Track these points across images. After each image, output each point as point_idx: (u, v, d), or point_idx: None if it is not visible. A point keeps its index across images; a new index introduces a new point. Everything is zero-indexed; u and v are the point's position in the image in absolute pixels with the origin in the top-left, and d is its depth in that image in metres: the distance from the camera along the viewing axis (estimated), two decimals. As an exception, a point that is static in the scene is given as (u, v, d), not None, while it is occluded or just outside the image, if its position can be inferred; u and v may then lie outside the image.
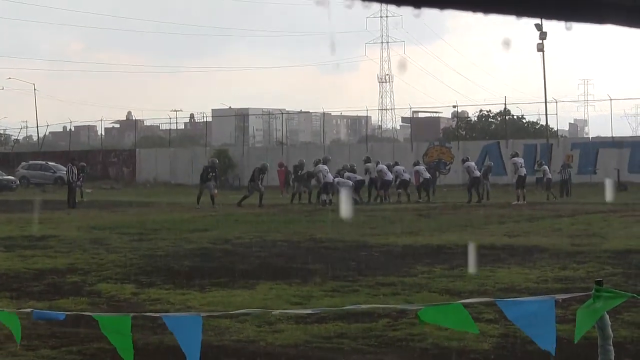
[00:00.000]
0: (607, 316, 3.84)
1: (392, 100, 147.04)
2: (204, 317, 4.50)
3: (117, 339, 4.14)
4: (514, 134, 68.64)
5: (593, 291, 3.81)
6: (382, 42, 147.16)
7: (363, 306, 6.85)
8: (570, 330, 9.41)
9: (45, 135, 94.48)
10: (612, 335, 3.85)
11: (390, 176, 42.44)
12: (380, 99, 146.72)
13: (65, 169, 49.31)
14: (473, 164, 42.59)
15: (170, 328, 4.17)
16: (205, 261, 17.18)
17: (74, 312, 5.82)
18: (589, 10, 1.56)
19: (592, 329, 4.07)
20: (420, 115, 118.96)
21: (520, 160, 41.55)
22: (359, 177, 41.85)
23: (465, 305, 4.26)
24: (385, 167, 42.83)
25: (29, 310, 5.32)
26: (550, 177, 43.80)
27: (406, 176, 43.13)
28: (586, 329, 3.75)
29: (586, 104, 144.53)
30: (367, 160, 44.45)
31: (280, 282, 13.94)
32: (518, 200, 38.23)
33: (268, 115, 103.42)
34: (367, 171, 43.14)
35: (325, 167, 39.56)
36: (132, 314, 4.56)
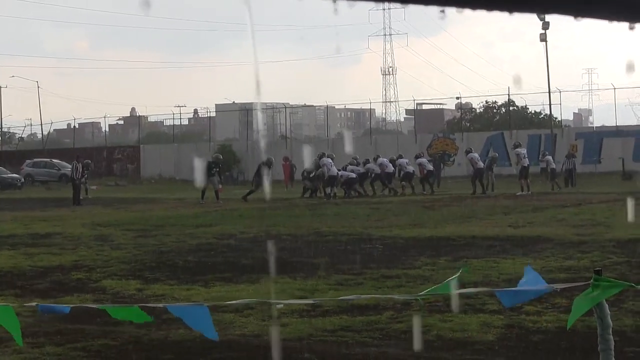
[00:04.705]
0: (606, 305, 3.84)
1: (396, 93, 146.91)
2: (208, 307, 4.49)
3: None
4: (518, 124, 68.54)
5: (592, 280, 3.81)
6: (384, 35, 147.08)
7: (363, 296, 6.86)
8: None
9: (49, 132, 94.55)
10: (611, 325, 3.85)
11: (391, 168, 42.50)
12: (384, 92, 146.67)
13: (69, 166, 49.37)
14: (477, 155, 42.56)
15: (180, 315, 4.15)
16: (210, 256, 17.19)
17: (79, 305, 5.82)
18: (571, 3, 1.55)
19: (593, 318, 4.07)
20: (424, 107, 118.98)
21: (523, 150, 41.50)
22: (362, 170, 41.87)
23: (467, 296, 4.26)
24: (386, 160, 42.87)
25: (34, 304, 5.33)
26: (554, 167, 43.73)
27: (410, 169, 43.11)
28: (579, 315, 3.75)
29: (590, 93, 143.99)
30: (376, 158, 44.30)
31: (285, 276, 13.94)
32: (522, 191, 38.19)
33: (272, 109, 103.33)
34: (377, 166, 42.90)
35: (330, 160, 39.58)
36: (137, 305, 4.55)
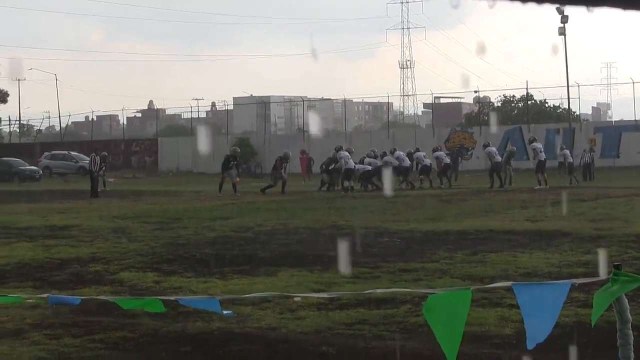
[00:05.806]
0: (626, 300, 3.82)
1: (414, 86, 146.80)
2: (224, 302, 4.49)
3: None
4: (536, 118, 68.37)
5: (611, 275, 3.79)
6: (402, 28, 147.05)
7: (379, 290, 6.84)
8: (591, 315, 9.39)
9: (67, 125, 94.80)
10: (630, 319, 3.83)
11: (408, 162, 42.37)
12: (402, 85, 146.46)
13: (87, 158, 49.49)
14: (494, 149, 42.43)
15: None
16: (227, 249, 17.20)
17: (89, 297, 5.81)
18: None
19: (612, 313, 4.05)
20: (442, 100, 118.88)
21: (539, 145, 41.40)
22: (379, 163, 41.77)
23: (485, 291, 4.23)
24: (403, 153, 42.75)
25: (45, 295, 5.34)
26: (572, 161, 43.61)
27: (427, 162, 43.05)
28: (602, 311, 3.73)
29: (609, 87, 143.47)
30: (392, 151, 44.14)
31: (302, 269, 13.95)
32: (540, 185, 38.09)
33: (289, 102, 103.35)
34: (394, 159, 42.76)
35: (347, 153, 39.55)
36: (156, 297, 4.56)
